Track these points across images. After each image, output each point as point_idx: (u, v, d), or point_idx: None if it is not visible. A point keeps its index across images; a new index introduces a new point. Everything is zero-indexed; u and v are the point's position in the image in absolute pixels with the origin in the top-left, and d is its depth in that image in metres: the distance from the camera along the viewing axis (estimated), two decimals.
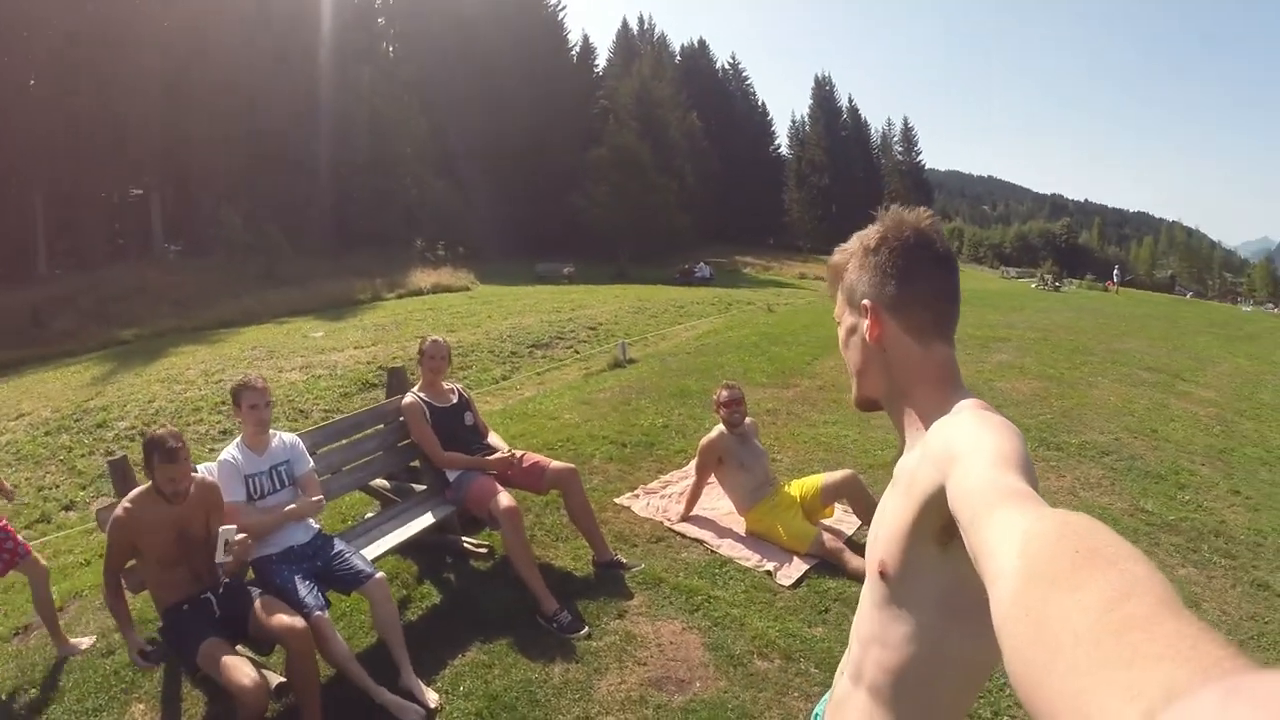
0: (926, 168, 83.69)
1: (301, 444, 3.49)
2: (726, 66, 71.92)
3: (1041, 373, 8.23)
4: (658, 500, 4.81)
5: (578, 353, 11.70)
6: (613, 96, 52.42)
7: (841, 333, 1.10)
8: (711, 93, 64.63)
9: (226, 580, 2.83)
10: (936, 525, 0.88)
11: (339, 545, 3.34)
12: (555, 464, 4.02)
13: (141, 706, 3.05)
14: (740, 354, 9.53)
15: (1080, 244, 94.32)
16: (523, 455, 4.05)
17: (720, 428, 4.32)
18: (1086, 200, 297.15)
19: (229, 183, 31.40)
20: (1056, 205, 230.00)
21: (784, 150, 73.36)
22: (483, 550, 4.11)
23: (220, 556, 2.78)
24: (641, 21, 70.65)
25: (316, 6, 35.70)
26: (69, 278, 25.74)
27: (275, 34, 32.81)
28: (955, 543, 0.84)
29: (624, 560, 3.95)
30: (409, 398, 4.06)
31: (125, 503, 2.83)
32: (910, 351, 1.01)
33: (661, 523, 4.46)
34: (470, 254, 33.42)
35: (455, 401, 4.16)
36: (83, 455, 7.56)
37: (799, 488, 4.31)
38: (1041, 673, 0.44)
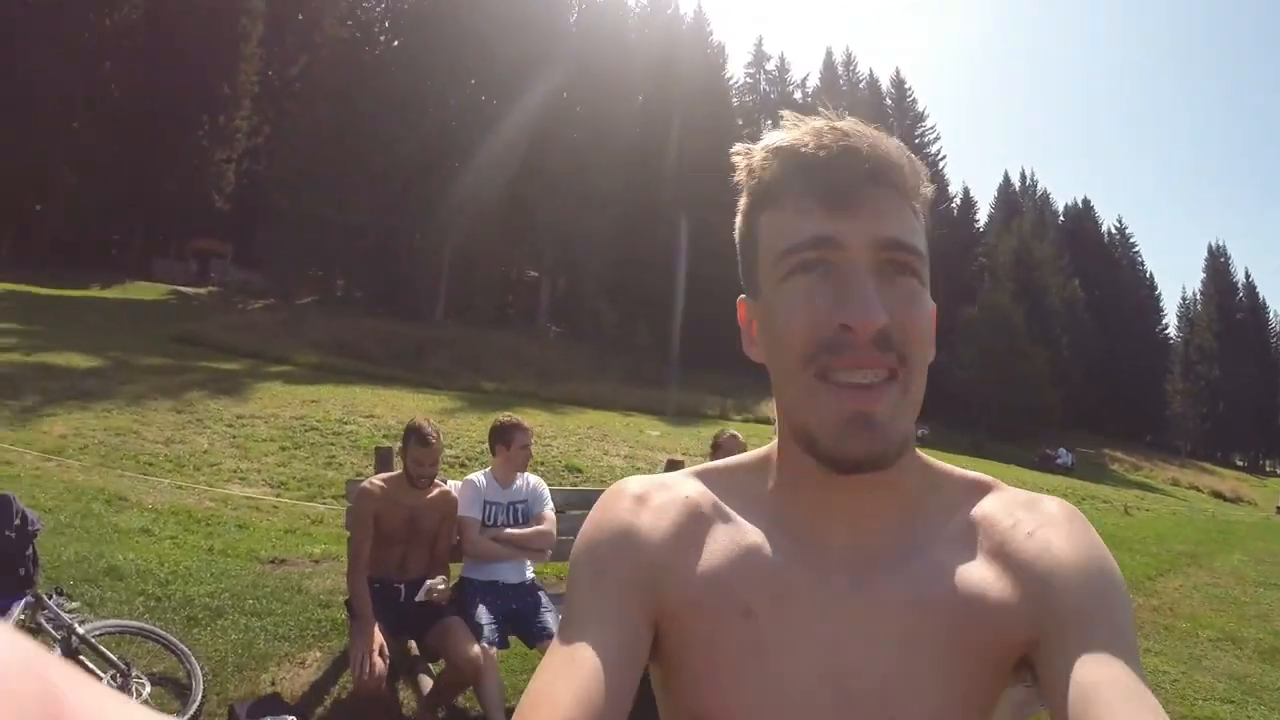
0: None
1: (545, 487, 3.58)
2: (1113, 230, 65.11)
3: None
4: None
5: None
6: (991, 254, 50.14)
7: (914, 306, 0.61)
8: (1095, 258, 58.43)
9: (420, 599, 3.07)
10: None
11: (544, 600, 3.33)
12: None
13: (318, 654, 3.71)
14: None
15: None
16: None
17: None
18: None
19: (611, 282, 35.70)
20: None
21: (1171, 330, 63.40)
22: None
23: (421, 595, 3.06)
24: (1024, 177, 66.23)
25: (694, 136, 38.51)
26: (457, 329, 30.33)
27: (657, 158, 37.43)
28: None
29: None
30: None
31: (377, 479, 3.20)
32: None
33: None
34: None
35: None
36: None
37: None
38: None
